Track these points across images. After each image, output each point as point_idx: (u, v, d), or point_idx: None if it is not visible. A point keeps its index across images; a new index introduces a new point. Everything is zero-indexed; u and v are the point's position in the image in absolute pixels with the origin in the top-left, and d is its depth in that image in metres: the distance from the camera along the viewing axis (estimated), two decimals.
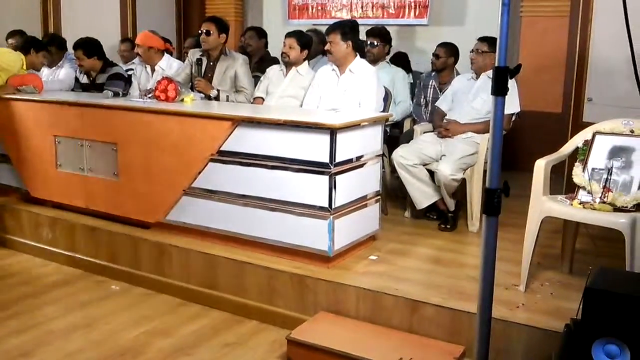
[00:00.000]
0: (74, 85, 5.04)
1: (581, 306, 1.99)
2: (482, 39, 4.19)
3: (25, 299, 3.58)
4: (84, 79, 5.03)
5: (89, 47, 4.88)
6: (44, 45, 4.86)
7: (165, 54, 4.83)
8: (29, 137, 4.33)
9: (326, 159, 3.19)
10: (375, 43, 4.87)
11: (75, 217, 4.17)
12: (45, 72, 5.01)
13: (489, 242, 1.74)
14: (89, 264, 4.02)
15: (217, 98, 4.40)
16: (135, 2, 7.01)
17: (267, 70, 4.62)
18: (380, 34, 4.97)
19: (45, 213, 4.29)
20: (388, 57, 5.10)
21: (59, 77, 4.97)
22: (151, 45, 4.68)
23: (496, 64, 1.67)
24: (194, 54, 4.61)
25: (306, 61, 4.44)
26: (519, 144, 5.31)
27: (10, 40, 5.32)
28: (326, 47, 4.08)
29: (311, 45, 4.51)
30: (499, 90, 1.66)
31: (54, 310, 3.44)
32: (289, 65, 4.40)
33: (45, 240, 4.25)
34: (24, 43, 4.79)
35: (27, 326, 3.22)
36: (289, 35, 4.38)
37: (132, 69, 5.13)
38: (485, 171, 3.84)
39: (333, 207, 3.22)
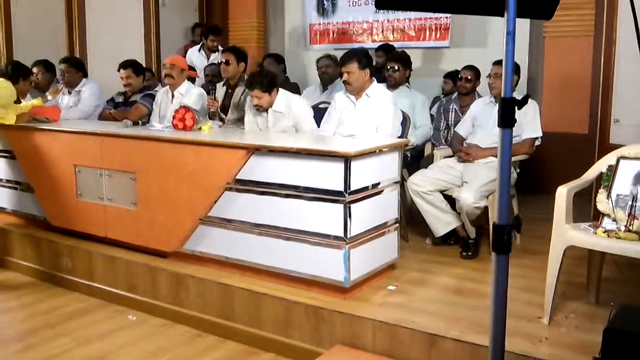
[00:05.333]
0: (103, 106, 5.13)
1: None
2: (500, 63, 4.02)
3: (42, 329, 3.57)
4: (118, 99, 5.14)
5: (138, 66, 5.11)
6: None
7: (187, 80, 4.86)
8: (50, 166, 4.37)
9: (341, 187, 3.13)
10: (397, 68, 4.86)
11: (93, 246, 4.18)
12: (65, 99, 5.07)
13: (500, 282, 1.62)
14: (107, 293, 4.01)
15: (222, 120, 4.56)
16: (159, 31, 7.09)
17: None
18: (401, 59, 4.96)
19: (65, 242, 4.31)
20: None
21: (78, 106, 5.02)
22: (184, 67, 4.81)
23: (502, 95, 1.58)
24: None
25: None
26: (545, 166, 5.19)
27: (35, 69, 5.38)
28: (344, 78, 3.97)
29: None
30: (506, 121, 1.57)
31: (70, 341, 3.42)
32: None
33: (65, 269, 4.26)
34: (12, 72, 4.55)
35: (43, 357, 3.20)
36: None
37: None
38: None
39: (348, 236, 3.16)
